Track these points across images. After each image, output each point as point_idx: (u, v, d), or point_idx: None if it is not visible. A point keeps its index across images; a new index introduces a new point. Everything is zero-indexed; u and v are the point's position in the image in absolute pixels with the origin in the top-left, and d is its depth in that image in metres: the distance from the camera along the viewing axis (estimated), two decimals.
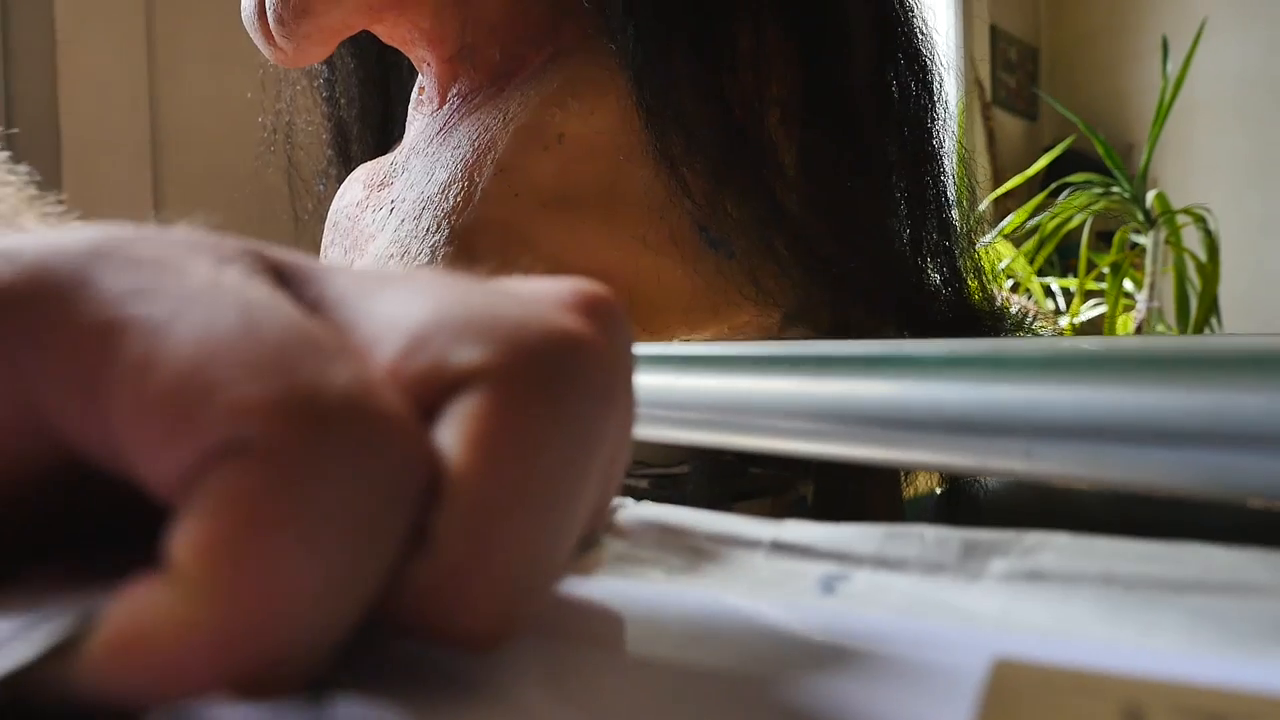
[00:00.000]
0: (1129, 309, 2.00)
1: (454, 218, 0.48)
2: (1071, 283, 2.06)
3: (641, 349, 0.26)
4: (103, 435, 0.12)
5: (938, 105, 0.54)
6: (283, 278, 0.14)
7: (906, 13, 0.53)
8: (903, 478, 0.56)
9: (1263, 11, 2.90)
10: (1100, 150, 2.05)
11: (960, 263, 0.55)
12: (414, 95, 0.61)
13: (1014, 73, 3.30)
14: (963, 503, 0.55)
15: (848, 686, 0.13)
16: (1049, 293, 2.10)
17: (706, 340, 0.50)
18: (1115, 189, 2.03)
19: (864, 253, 0.51)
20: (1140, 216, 2.01)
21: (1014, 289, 1.96)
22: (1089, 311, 2.04)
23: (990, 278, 0.59)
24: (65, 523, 0.14)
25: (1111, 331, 1.94)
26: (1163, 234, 1.98)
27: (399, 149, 0.60)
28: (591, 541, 0.20)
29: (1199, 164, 2.97)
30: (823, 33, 0.50)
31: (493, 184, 0.48)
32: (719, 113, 0.47)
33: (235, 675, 0.11)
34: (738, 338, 0.50)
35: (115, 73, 1.11)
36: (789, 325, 0.51)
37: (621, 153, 0.48)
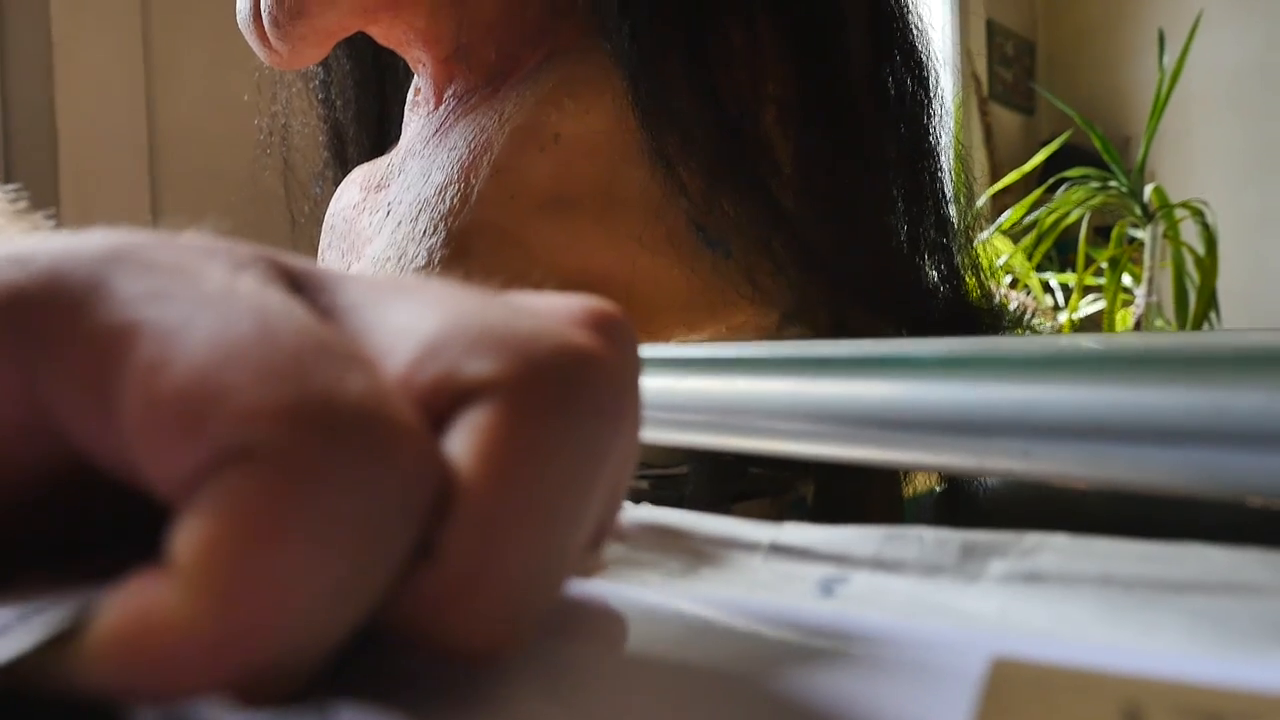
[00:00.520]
0: (1128, 304, 2.00)
1: (451, 220, 0.48)
2: (1070, 278, 2.06)
3: (640, 351, 0.26)
4: (111, 437, 0.12)
5: (934, 101, 0.54)
6: (296, 284, 0.14)
7: (901, 9, 0.53)
8: (902, 477, 0.56)
9: (1259, 4, 2.90)
10: (1097, 144, 2.05)
11: (958, 259, 0.55)
12: (410, 96, 0.61)
13: (1011, 67, 3.30)
14: (961, 502, 0.55)
15: (847, 688, 0.13)
16: (1047, 288, 2.10)
17: (704, 340, 0.50)
18: (1113, 183, 2.03)
19: (861, 250, 0.51)
20: (1138, 211, 2.01)
21: (1012, 285, 1.96)
22: (1088, 307, 2.04)
23: (988, 274, 0.59)
24: (68, 526, 0.14)
25: (1110, 327, 1.94)
26: (1161, 228, 1.98)
27: (395, 151, 0.60)
28: (593, 553, 0.20)
29: (1196, 158, 2.97)
30: (818, 30, 0.50)
31: (489, 185, 0.48)
32: (715, 111, 0.47)
33: (231, 676, 0.11)
34: (735, 337, 0.50)
35: (112, 75, 1.11)
36: (787, 324, 0.51)
37: (618, 153, 0.48)
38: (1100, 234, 2.16)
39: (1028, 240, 1.97)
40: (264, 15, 0.52)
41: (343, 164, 0.69)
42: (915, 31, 0.54)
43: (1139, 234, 2.02)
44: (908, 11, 0.54)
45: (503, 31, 0.54)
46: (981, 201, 1.96)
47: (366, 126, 0.69)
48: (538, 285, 0.16)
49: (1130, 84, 3.13)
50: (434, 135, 0.55)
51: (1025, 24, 3.41)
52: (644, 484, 0.49)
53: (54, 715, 0.12)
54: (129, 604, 0.11)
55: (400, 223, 0.51)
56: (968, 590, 0.16)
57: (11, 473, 0.13)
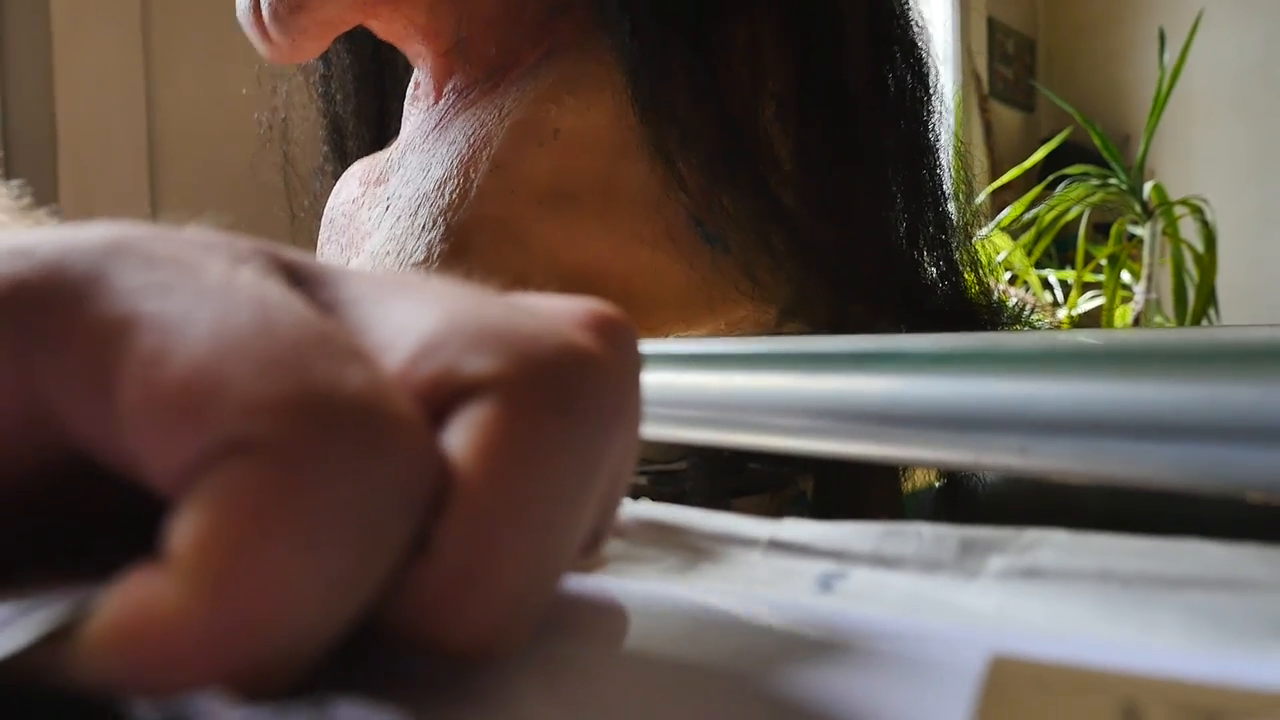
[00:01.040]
0: (1127, 301, 2.00)
1: (450, 214, 0.48)
2: (1069, 275, 2.06)
3: (641, 351, 0.26)
4: (110, 430, 0.12)
5: (933, 98, 0.54)
6: (296, 278, 0.14)
7: (901, 5, 0.53)
8: (901, 472, 0.56)
9: (1259, 3, 2.90)
10: (1097, 142, 2.05)
11: (957, 256, 0.55)
12: (410, 91, 0.61)
13: (1011, 65, 3.30)
14: (960, 498, 0.55)
15: (845, 685, 0.13)
16: (1047, 285, 2.10)
17: (703, 336, 0.50)
18: (1112, 181, 2.03)
19: (860, 247, 0.51)
20: (1137, 208, 2.01)
21: (1012, 281, 1.96)
22: (1087, 303, 2.04)
23: (987, 270, 0.59)
24: (68, 522, 0.14)
25: (1109, 323, 1.94)
26: (1160, 225, 1.98)
27: (395, 145, 0.60)
28: (592, 552, 0.20)
29: (1196, 155, 2.97)
30: (818, 26, 0.50)
31: (488, 180, 0.48)
32: (714, 107, 0.47)
33: (227, 669, 0.11)
34: (734, 333, 0.50)
35: (111, 69, 1.10)
36: (785, 320, 0.51)
37: (617, 148, 0.48)
38: (1100, 231, 2.16)
39: (1027, 237, 1.97)
40: (264, 9, 0.52)
41: (342, 158, 0.69)
42: (915, 28, 0.54)
43: (1138, 231, 2.02)
44: (907, 8, 0.54)
45: (502, 27, 0.54)
46: (981, 198, 1.96)
47: (366, 121, 0.69)
48: (537, 280, 0.16)
49: (1130, 82, 3.12)
50: (434, 130, 0.55)
51: (1026, 21, 3.41)
52: (643, 479, 0.49)
53: (53, 710, 0.12)
54: (126, 598, 0.11)
55: (399, 217, 0.51)
56: (967, 586, 0.16)
57: (11, 466, 0.13)
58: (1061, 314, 1.98)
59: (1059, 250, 2.16)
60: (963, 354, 0.18)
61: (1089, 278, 2.03)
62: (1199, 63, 2.30)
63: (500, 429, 0.12)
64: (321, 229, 0.63)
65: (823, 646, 0.14)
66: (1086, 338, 0.18)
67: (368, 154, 0.65)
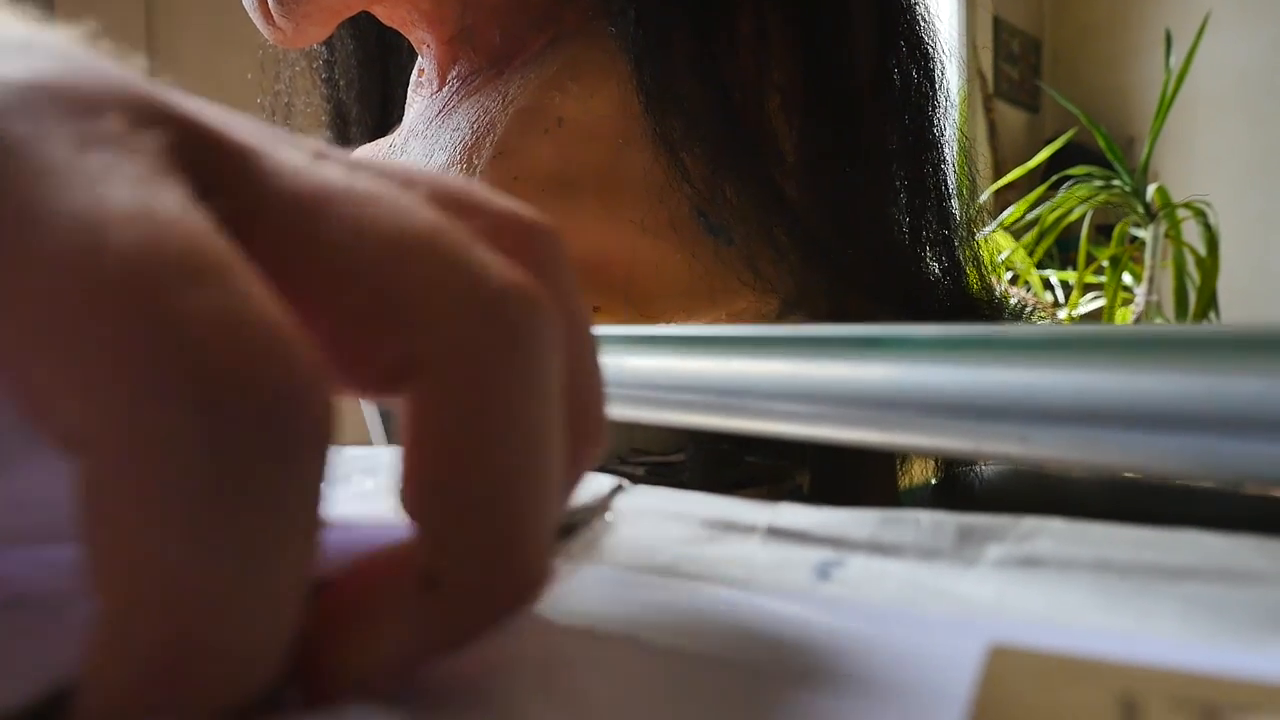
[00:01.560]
0: (1128, 302, 2.00)
1: None
2: (1071, 275, 2.06)
3: (636, 330, 0.26)
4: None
5: (939, 94, 0.54)
6: (210, 170, 0.13)
7: (909, 0, 0.53)
8: (898, 468, 0.56)
9: (1266, 7, 2.90)
10: (1101, 143, 2.05)
11: (959, 253, 0.55)
12: (413, 77, 0.61)
13: (1016, 64, 3.29)
14: (958, 494, 0.55)
15: (844, 673, 0.13)
16: (1048, 285, 2.10)
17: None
18: (1116, 182, 2.03)
19: (863, 241, 0.51)
20: (1140, 210, 2.01)
21: (1013, 281, 1.96)
22: (1088, 305, 2.04)
23: (989, 269, 0.59)
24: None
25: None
26: (1163, 228, 1.98)
27: (398, 131, 0.60)
28: (588, 517, 0.20)
29: (1200, 158, 2.97)
30: (824, 19, 0.50)
31: (491, 167, 0.48)
32: (719, 98, 0.47)
33: (182, 684, 0.10)
34: (735, 324, 0.50)
35: (114, 51, 1.10)
36: (787, 312, 0.51)
37: (621, 137, 0.47)
38: (1102, 232, 2.16)
39: (1029, 237, 1.97)
40: None
41: (345, 144, 0.69)
42: (922, 23, 0.53)
43: (1141, 233, 2.02)
44: (915, 3, 0.53)
45: (507, 14, 0.54)
46: (984, 197, 1.96)
47: (369, 106, 0.69)
48: None
49: (1135, 84, 3.12)
50: (437, 116, 0.55)
51: (1032, 21, 3.40)
52: (640, 471, 0.49)
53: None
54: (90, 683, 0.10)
55: None
56: (965, 575, 0.16)
57: None
58: (1062, 315, 1.98)
59: (1061, 251, 2.16)
60: (964, 341, 0.18)
61: (1090, 279, 2.03)
62: (1205, 66, 2.30)
63: (440, 418, 0.12)
64: None
65: (820, 635, 0.14)
66: (1085, 327, 0.18)
67: (370, 140, 0.64)
